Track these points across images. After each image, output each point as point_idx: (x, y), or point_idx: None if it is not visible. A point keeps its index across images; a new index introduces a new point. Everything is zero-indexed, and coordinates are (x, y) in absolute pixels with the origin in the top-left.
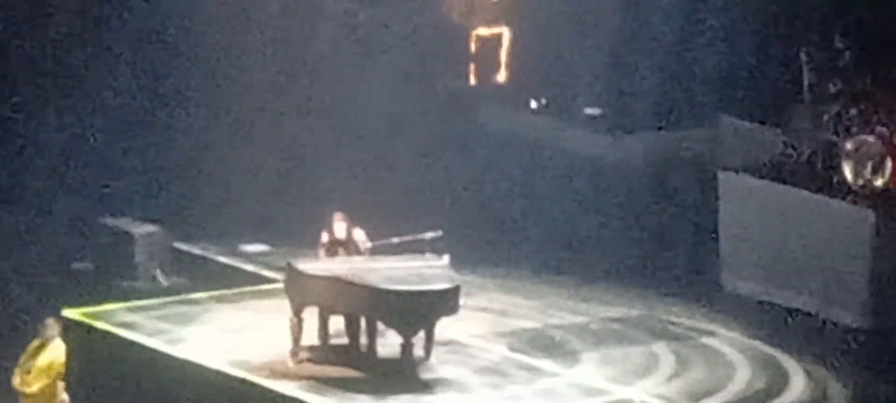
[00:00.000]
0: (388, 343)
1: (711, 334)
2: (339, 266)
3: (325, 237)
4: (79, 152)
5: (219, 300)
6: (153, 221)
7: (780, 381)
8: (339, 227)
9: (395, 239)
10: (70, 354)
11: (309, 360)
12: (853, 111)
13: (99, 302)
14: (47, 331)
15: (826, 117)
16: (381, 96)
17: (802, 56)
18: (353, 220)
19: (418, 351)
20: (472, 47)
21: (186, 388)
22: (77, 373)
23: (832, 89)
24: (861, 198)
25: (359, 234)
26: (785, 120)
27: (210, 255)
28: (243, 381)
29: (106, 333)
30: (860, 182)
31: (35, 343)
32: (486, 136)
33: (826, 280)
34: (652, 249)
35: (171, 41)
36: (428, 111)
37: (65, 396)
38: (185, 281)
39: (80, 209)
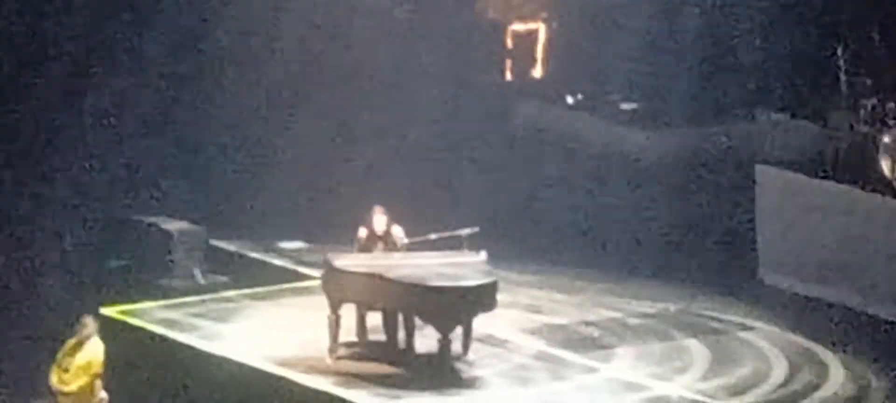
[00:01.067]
0: (426, 338)
1: (750, 329)
2: (376, 262)
3: (363, 231)
4: (116, 149)
5: (256, 297)
6: (190, 219)
7: (819, 375)
8: (379, 221)
9: (433, 236)
10: (108, 352)
11: (347, 357)
12: (890, 104)
13: (136, 300)
14: (84, 330)
15: (863, 110)
16: (416, 92)
17: (839, 49)
18: (391, 216)
19: (456, 347)
20: (508, 43)
21: (224, 385)
22: (115, 371)
23: (869, 82)
24: None
25: (397, 230)
26: (821, 113)
27: (247, 252)
28: (281, 378)
29: (143, 331)
30: None
31: (72, 341)
32: (522, 132)
33: (864, 273)
34: (689, 244)
35: (207, 38)
36: (464, 107)
37: (103, 394)
38: (223, 279)
39: (118, 207)
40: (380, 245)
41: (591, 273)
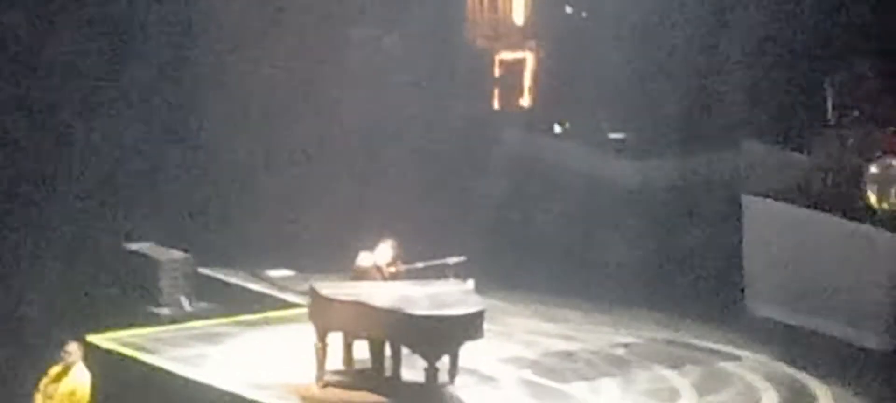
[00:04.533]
0: (413, 367)
1: (737, 358)
2: (362, 290)
3: (366, 259)
4: (103, 176)
5: (243, 325)
6: (178, 246)
7: None
8: (384, 253)
9: (420, 264)
10: (95, 380)
11: (334, 385)
12: (878, 134)
13: (123, 328)
14: (69, 356)
15: (850, 141)
16: (404, 121)
17: (826, 81)
18: (398, 252)
19: (442, 376)
20: (496, 71)
21: None
22: (102, 399)
23: (856, 113)
24: (886, 221)
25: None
26: (809, 144)
27: (234, 281)
28: None
29: (131, 358)
30: (885, 205)
31: (56, 368)
32: (509, 161)
33: (851, 303)
34: (676, 273)
35: (196, 68)
36: (451, 136)
37: None
38: (210, 307)
39: (106, 234)
40: (378, 275)
41: (578, 302)
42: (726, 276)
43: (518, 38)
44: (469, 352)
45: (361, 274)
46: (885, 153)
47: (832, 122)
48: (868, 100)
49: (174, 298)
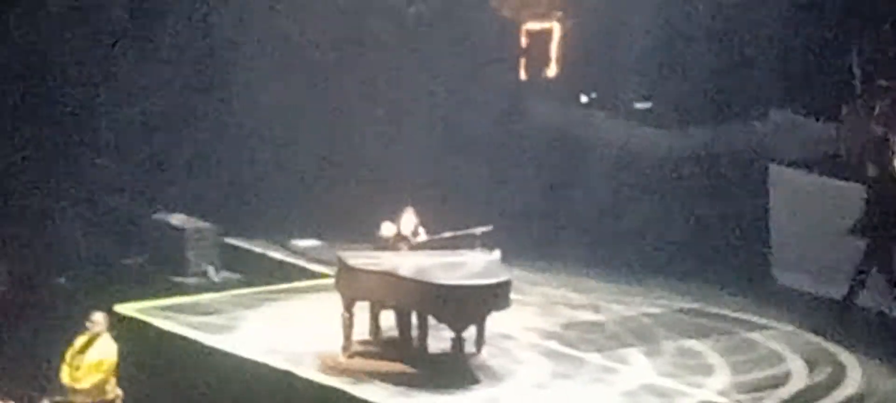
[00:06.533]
0: (440, 337)
1: (765, 328)
2: (389, 260)
3: (389, 228)
4: (130, 148)
5: (270, 295)
6: (204, 217)
7: (837, 374)
8: (408, 221)
9: (446, 234)
10: (122, 350)
11: (360, 355)
12: None
13: (150, 298)
14: (95, 326)
15: (877, 111)
16: (431, 91)
17: (853, 50)
18: (420, 218)
19: (469, 346)
20: (523, 42)
21: (237, 382)
22: (129, 369)
23: (883, 83)
24: None
25: (422, 232)
26: (835, 113)
27: (261, 250)
28: (294, 376)
29: (157, 328)
30: None
31: (82, 338)
32: (536, 131)
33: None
34: (703, 243)
35: (220, 36)
36: (478, 105)
37: (118, 391)
38: (236, 277)
39: (132, 204)
40: (402, 245)
41: (605, 272)
42: (753, 246)
43: (544, 8)
44: (496, 322)
45: (385, 244)
46: None
47: (859, 92)
48: (895, 70)
49: (200, 268)
